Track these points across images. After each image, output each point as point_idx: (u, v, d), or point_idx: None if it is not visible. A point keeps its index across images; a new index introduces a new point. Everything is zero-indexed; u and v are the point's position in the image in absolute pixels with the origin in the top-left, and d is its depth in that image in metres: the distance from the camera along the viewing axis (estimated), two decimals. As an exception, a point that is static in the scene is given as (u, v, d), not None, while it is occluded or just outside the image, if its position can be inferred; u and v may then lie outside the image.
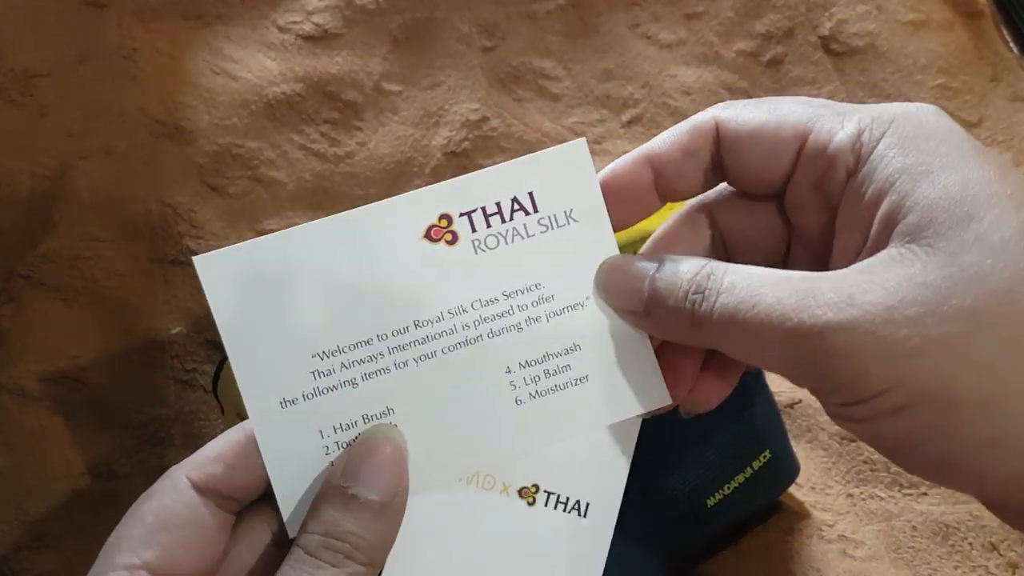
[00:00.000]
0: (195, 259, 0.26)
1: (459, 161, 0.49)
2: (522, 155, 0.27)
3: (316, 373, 0.26)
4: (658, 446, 0.34)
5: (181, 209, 0.46)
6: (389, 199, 0.27)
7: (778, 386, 0.45)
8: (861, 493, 0.42)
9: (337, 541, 0.24)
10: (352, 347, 0.26)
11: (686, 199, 0.28)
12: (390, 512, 0.25)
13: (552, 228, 0.27)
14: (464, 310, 0.26)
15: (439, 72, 0.51)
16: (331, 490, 0.25)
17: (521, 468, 0.27)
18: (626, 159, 0.27)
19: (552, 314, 0.27)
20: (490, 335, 0.27)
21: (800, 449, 0.43)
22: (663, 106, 0.51)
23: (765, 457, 0.37)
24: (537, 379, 0.27)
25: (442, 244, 0.27)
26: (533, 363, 0.27)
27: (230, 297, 0.26)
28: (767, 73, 0.52)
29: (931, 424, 0.21)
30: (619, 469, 0.28)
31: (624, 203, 0.27)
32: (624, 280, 0.26)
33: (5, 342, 0.45)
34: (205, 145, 0.48)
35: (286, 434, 0.26)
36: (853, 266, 0.23)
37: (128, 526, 0.25)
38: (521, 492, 0.27)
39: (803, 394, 0.45)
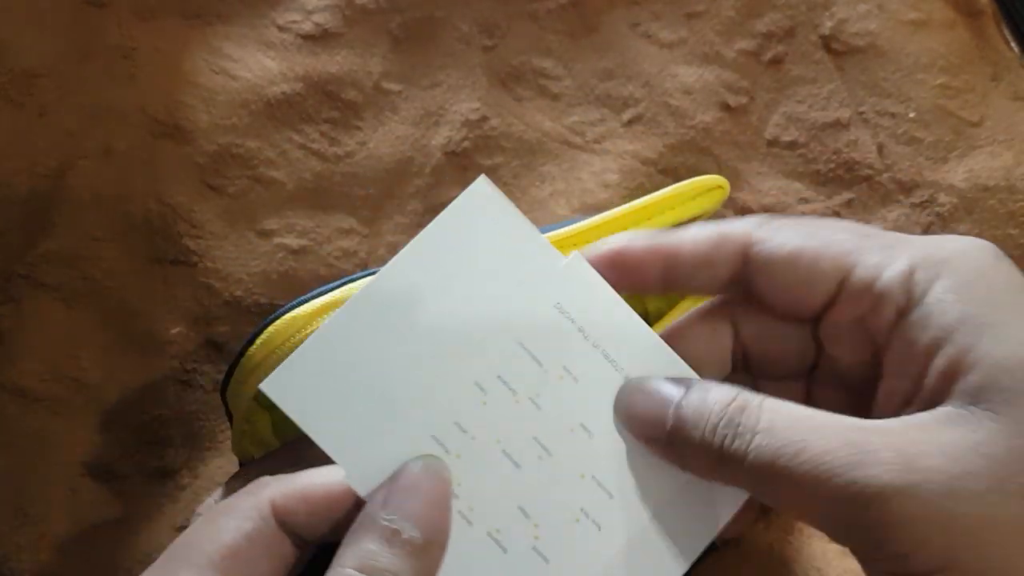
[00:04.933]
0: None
1: (459, 161, 0.49)
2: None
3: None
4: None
5: (181, 209, 0.46)
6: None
7: (779, 386, 0.45)
8: (862, 493, 0.42)
9: None
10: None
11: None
12: (432, 551, 0.23)
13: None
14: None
15: (439, 71, 0.51)
16: (370, 521, 0.23)
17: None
18: (642, 243, 0.25)
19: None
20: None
21: (801, 449, 0.43)
22: (664, 105, 0.51)
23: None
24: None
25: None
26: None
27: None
28: (768, 72, 0.52)
29: None
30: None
31: (624, 279, 0.26)
32: (646, 405, 0.24)
33: (5, 342, 0.45)
34: (205, 145, 0.47)
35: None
36: (907, 420, 0.21)
37: (202, 537, 0.23)
38: None
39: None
